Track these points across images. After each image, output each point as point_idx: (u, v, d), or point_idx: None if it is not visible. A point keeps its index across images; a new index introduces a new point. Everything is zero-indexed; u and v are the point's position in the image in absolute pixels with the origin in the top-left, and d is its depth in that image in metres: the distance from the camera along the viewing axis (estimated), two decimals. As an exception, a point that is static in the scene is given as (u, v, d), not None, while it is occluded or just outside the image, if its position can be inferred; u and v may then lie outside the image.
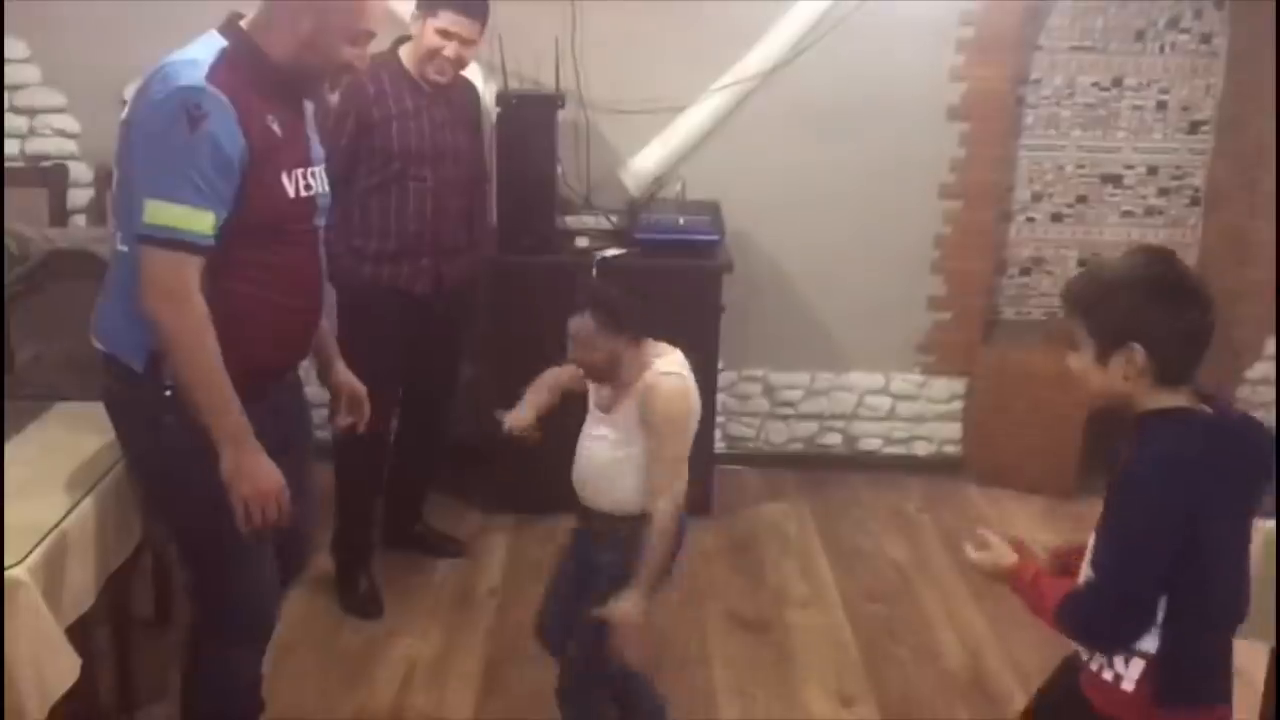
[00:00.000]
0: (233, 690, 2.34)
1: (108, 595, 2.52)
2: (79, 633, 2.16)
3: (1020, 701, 2.94)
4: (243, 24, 2.08)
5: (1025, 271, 4.42)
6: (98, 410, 2.67)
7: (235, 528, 2.05)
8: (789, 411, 4.34)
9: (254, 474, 2.02)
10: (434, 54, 3.12)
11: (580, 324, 2.29)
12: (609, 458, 2.36)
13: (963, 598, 3.46)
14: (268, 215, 2.06)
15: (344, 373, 2.44)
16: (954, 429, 4.36)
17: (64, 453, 2.44)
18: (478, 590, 3.43)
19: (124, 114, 2.05)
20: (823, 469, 4.29)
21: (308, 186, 2.15)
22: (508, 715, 2.86)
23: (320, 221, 2.24)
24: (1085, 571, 1.78)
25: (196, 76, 1.94)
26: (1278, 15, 3.83)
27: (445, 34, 3.10)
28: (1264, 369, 4.27)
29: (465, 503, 3.96)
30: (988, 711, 2.93)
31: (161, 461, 2.14)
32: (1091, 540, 1.77)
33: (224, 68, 1.98)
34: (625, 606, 2.21)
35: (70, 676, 2.03)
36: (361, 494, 3.39)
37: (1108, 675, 1.76)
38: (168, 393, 2.04)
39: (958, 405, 4.34)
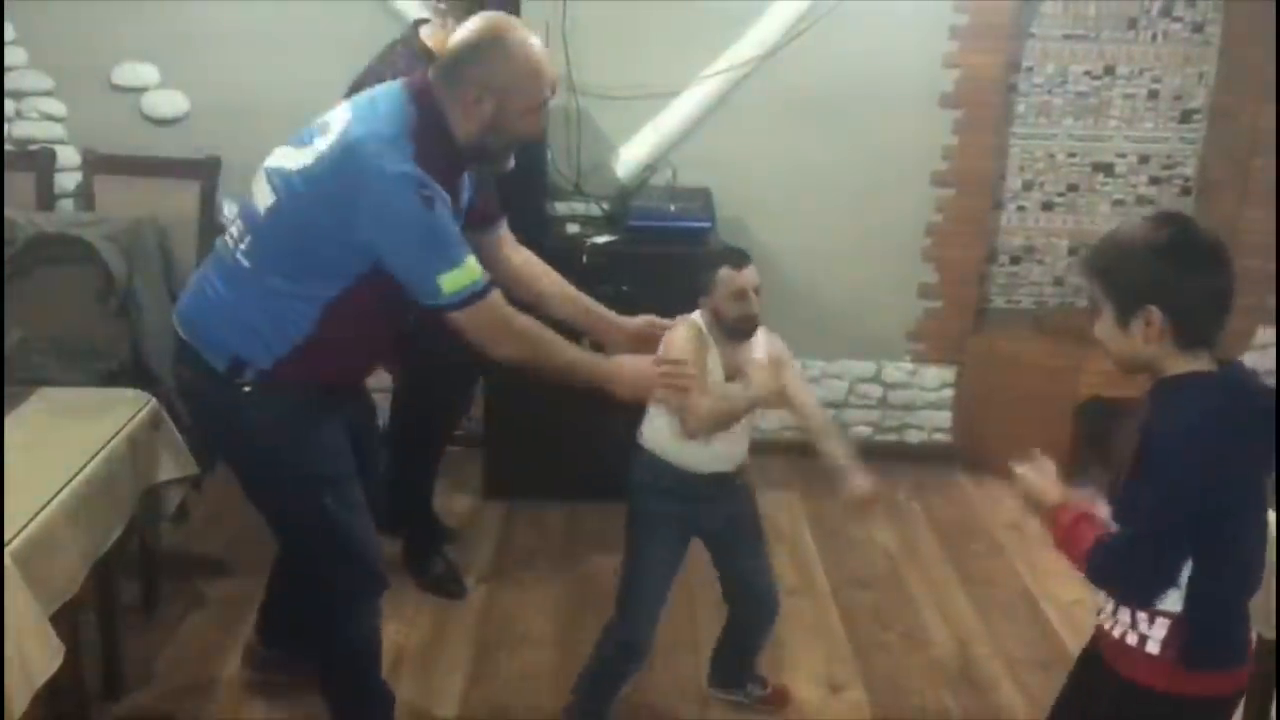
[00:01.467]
0: (362, 649, 2.48)
1: (94, 582, 2.52)
2: (65, 619, 2.15)
3: (1007, 689, 2.97)
4: (429, 90, 2.16)
5: (1016, 260, 4.42)
6: (83, 395, 2.68)
7: (337, 499, 2.29)
8: (782, 399, 4.33)
9: (633, 376, 2.31)
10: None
11: (752, 272, 2.44)
12: (749, 420, 2.53)
13: (952, 585, 3.47)
14: (392, 284, 2.16)
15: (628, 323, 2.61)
16: (944, 417, 4.36)
17: (49, 438, 2.44)
18: (468, 576, 3.42)
19: (304, 164, 2.13)
20: (813, 456, 4.27)
21: None
22: (496, 701, 2.86)
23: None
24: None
25: (408, 165, 2.06)
26: (1277, 7, 3.82)
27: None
28: (1253, 358, 4.27)
29: (456, 489, 3.95)
30: (975, 699, 2.93)
31: (250, 452, 2.30)
32: (1105, 507, 1.79)
33: (420, 151, 2.10)
34: (859, 479, 2.51)
35: (53, 664, 2.02)
36: (424, 464, 3.42)
37: (1132, 639, 1.76)
38: (246, 389, 2.20)
39: (948, 393, 4.34)
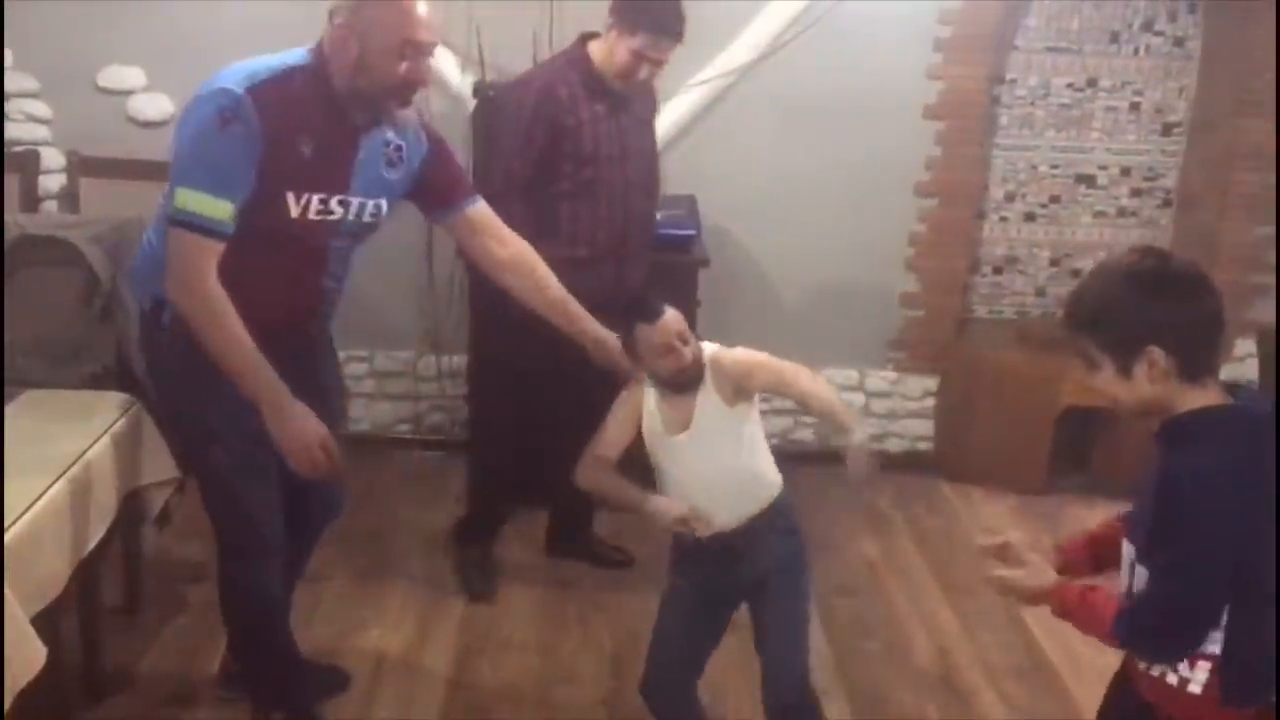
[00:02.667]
0: (247, 605, 2.53)
1: (76, 584, 2.51)
2: (47, 620, 2.14)
3: (988, 697, 2.98)
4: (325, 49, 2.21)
5: (998, 270, 4.45)
6: (67, 397, 2.67)
7: (226, 455, 2.30)
8: (763, 407, 4.31)
9: (294, 429, 2.16)
10: (626, 72, 3.05)
11: (675, 318, 2.22)
12: (732, 463, 2.27)
13: (933, 594, 3.48)
14: (261, 224, 2.17)
15: (589, 328, 2.56)
16: (927, 426, 4.39)
17: (33, 440, 2.43)
18: (449, 583, 3.41)
19: None
20: (795, 464, 4.28)
21: (327, 211, 2.24)
22: (478, 706, 2.86)
23: (342, 242, 2.34)
24: (1125, 579, 1.74)
25: (238, 82, 2.11)
26: (1278, 20, 3.86)
27: (640, 56, 3.01)
28: (1232, 370, 4.31)
29: (439, 494, 3.95)
30: (956, 708, 2.95)
31: (162, 395, 2.40)
32: (1126, 547, 1.73)
33: (274, 83, 2.14)
34: (860, 440, 2.16)
35: (35, 666, 2.01)
36: (498, 484, 3.48)
37: (1172, 679, 1.69)
38: (163, 334, 2.27)
39: (930, 402, 4.37)
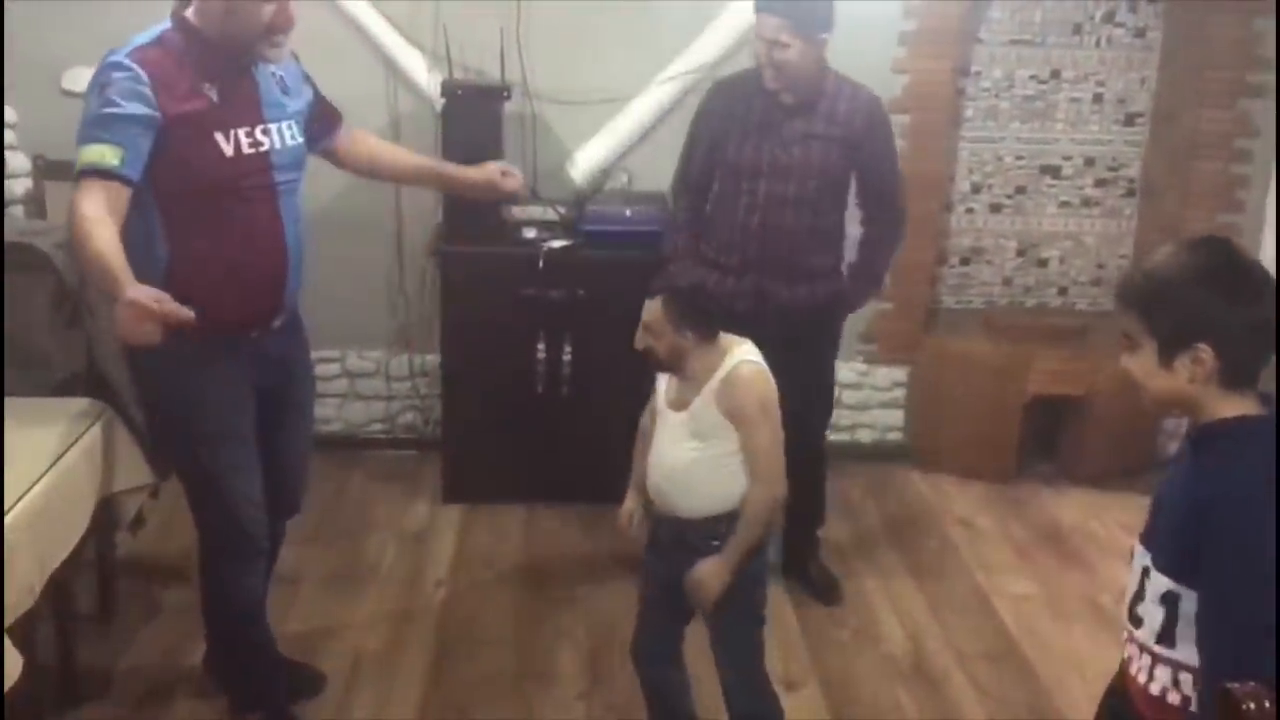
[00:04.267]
0: (227, 600, 2.60)
1: (51, 591, 2.51)
2: (22, 629, 2.14)
3: (959, 683, 3.03)
4: (187, 12, 2.31)
5: (965, 261, 4.50)
6: (38, 405, 2.67)
7: (214, 456, 2.40)
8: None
9: (126, 302, 2.08)
10: (759, 63, 3.05)
11: (650, 308, 2.27)
12: (689, 459, 2.28)
13: (904, 583, 3.53)
14: (208, 173, 2.29)
15: (466, 171, 2.80)
16: (896, 416, 4.43)
17: (5, 449, 2.41)
18: (425, 581, 3.43)
19: None
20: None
21: (256, 143, 2.35)
22: (455, 704, 2.88)
23: (285, 176, 2.42)
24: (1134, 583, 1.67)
25: (121, 53, 2.25)
26: (1278, 18, 3.91)
27: (760, 37, 3.01)
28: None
29: (413, 493, 3.97)
30: (928, 693, 2.99)
31: (151, 398, 2.45)
32: (1141, 552, 1.66)
33: (153, 46, 2.27)
34: (708, 568, 2.25)
35: (12, 675, 2.03)
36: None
37: (1174, 698, 1.62)
38: None
39: (900, 393, 4.41)
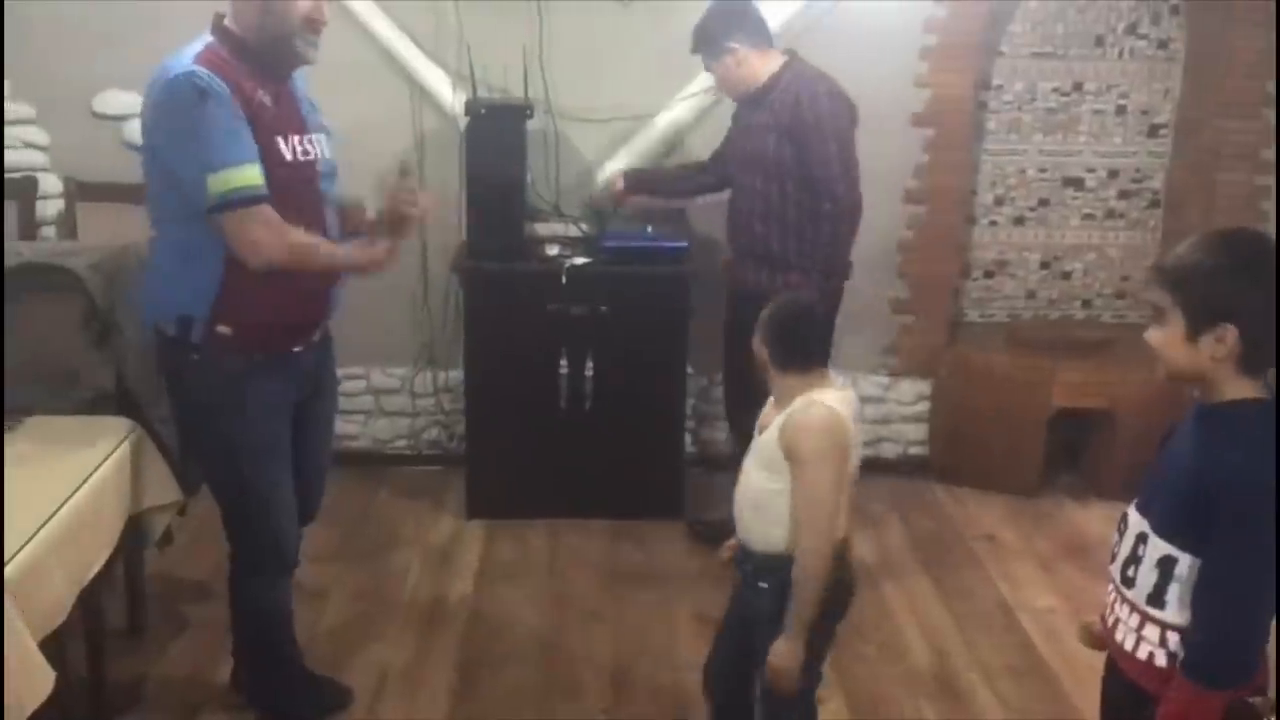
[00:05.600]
0: (259, 616, 2.68)
1: (81, 608, 2.54)
2: (53, 645, 2.17)
3: (984, 698, 3.02)
4: (226, 21, 2.34)
5: (989, 274, 4.49)
6: (69, 424, 2.71)
7: (253, 471, 2.45)
8: (758, 414, 4.38)
9: (370, 258, 2.44)
10: None
11: (753, 341, 2.26)
12: (755, 486, 2.22)
13: (928, 597, 3.52)
14: (271, 179, 2.29)
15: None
16: (920, 430, 4.42)
17: (36, 467, 2.46)
18: (450, 596, 3.45)
19: (143, 122, 2.35)
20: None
21: (305, 151, 2.41)
22: (480, 718, 2.89)
23: (327, 185, 2.48)
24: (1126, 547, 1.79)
25: (186, 64, 2.24)
26: (1278, 19, 3.90)
27: None
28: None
29: (438, 508, 3.99)
30: (953, 708, 2.98)
31: (189, 415, 2.48)
32: (1136, 518, 1.78)
33: (207, 55, 2.28)
34: (778, 651, 2.15)
35: (44, 691, 2.05)
36: None
37: (1161, 662, 1.74)
38: (195, 356, 2.38)
39: (923, 407, 4.40)
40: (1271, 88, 4.08)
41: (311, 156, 2.43)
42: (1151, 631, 1.75)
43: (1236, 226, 1.77)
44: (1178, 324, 1.69)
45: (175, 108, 2.22)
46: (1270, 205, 4.19)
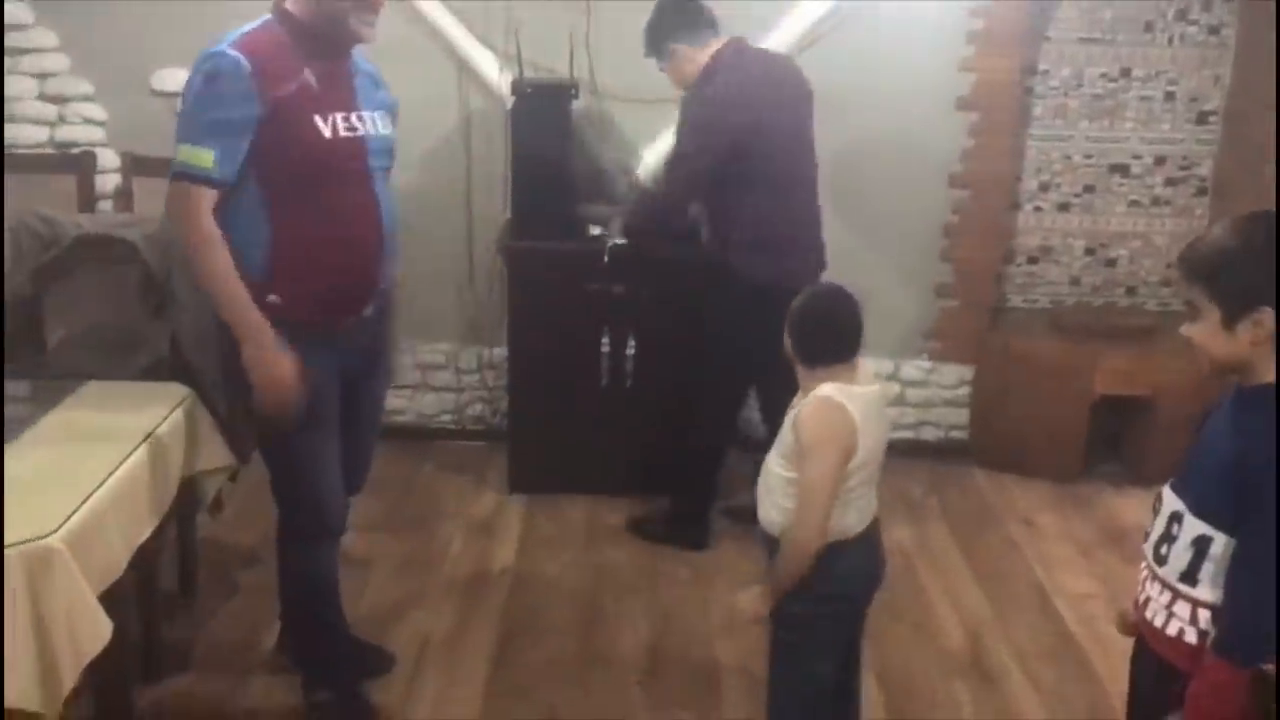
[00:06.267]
0: (304, 581, 2.73)
1: (135, 568, 2.63)
2: (110, 599, 2.25)
3: (1018, 680, 3.03)
4: (286, 4, 2.45)
5: (1033, 260, 4.48)
6: (126, 389, 2.79)
7: (300, 437, 2.49)
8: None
9: (267, 366, 2.38)
10: None
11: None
12: (772, 472, 2.26)
13: (964, 579, 3.54)
14: (308, 154, 2.38)
15: None
16: (961, 415, 4.42)
17: (94, 429, 2.54)
18: (491, 568, 3.52)
19: None
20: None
21: (351, 128, 2.46)
22: (518, 685, 2.95)
23: (378, 162, 2.52)
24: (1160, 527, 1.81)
25: (223, 45, 2.33)
26: (1278, 11, 3.87)
27: None
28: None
29: (481, 483, 4.06)
30: (986, 690, 3.00)
31: (241, 384, 2.48)
32: (1170, 498, 1.80)
33: (256, 34, 2.37)
34: (747, 595, 2.25)
35: (103, 639, 2.13)
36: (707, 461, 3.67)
37: (1191, 638, 1.76)
38: None
39: (965, 391, 4.40)
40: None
41: (360, 133, 2.47)
42: (1182, 609, 1.77)
43: (1251, 211, 1.77)
44: (1213, 315, 1.71)
45: (190, 80, 2.34)
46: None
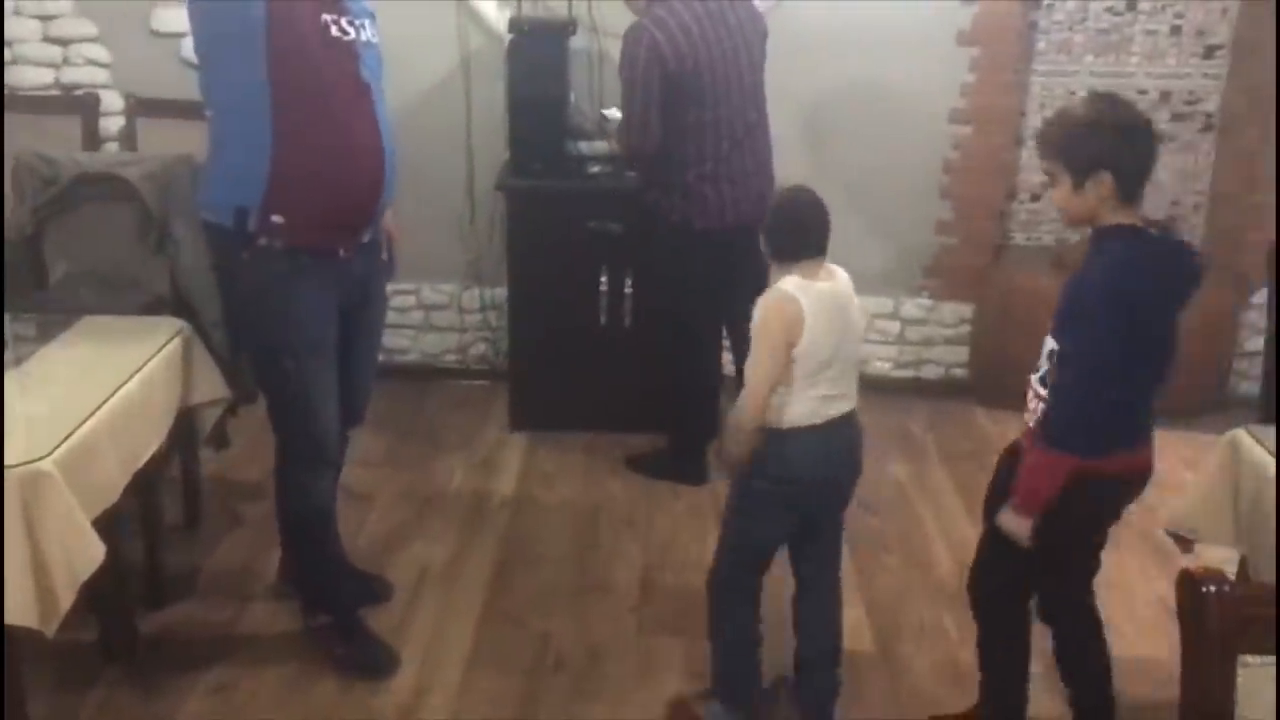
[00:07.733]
0: (302, 512, 2.76)
1: (137, 498, 2.70)
2: (104, 524, 2.31)
3: (1004, 607, 3.06)
4: None
5: (1036, 198, 4.45)
6: (123, 323, 2.84)
7: (296, 366, 2.54)
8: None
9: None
10: None
11: None
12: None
13: (958, 514, 3.56)
14: (308, 49, 2.38)
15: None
16: (961, 353, 4.44)
17: (90, 360, 2.60)
18: (490, 502, 3.58)
19: None
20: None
21: (343, 31, 2.45)
22: (513, 613, 3.01)
23: (371, 75, 2.51)
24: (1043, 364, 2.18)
25: None
26: (1277, 19, 3.83)
27: None
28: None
29: (483, 420, 4.11)
30: (972, 619, 3.02)
31: (239, 313, 2.55)
32: (1046, 354, 2.17)
33: None
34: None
35: (95, 560, 2.19)
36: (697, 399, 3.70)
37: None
38: (245, 254, 2.46)
39: (965, 329, 4.41)
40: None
41: (350, 37, 2.46)
42: (1035, 405, 2.20)
43: (1096, 92, 2.23)
44: (1065, 180, 2.09)
45: None
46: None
